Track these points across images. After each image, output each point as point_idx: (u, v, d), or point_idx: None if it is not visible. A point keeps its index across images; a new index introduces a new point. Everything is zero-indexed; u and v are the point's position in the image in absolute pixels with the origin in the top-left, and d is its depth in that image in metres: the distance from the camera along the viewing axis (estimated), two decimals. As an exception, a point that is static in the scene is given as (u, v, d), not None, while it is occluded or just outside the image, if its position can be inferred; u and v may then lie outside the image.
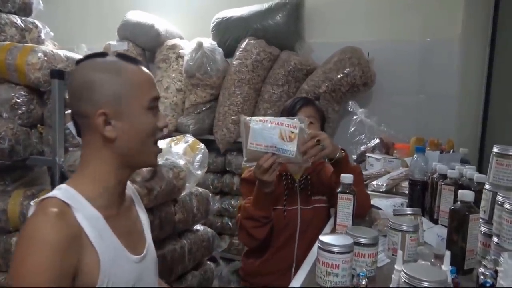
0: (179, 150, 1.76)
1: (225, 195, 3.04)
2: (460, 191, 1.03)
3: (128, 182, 1.09)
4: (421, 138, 2.07)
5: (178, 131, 3.07)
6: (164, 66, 3.16)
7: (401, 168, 2.02)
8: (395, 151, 2.17)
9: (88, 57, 0.96)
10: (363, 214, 1.41)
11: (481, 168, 2.34)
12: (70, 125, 1.62)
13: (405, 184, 1.81)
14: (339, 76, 2.71)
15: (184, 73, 3.02)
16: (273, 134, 1.25)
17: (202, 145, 1.88)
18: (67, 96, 1.62)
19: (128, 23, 3.23)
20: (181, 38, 3.30)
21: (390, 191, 1.82)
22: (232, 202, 2.96)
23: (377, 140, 2.22)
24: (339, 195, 1.16)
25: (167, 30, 3.23)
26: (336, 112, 2.80)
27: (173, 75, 3.14)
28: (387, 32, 2.85)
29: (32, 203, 0.92)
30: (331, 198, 1.58)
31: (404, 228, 1.05)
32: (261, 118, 1.29)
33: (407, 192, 1.77)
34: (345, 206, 1.15)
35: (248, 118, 1.30)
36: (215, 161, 3.02)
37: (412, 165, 1.51)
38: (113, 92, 0.90)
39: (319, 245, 0.92)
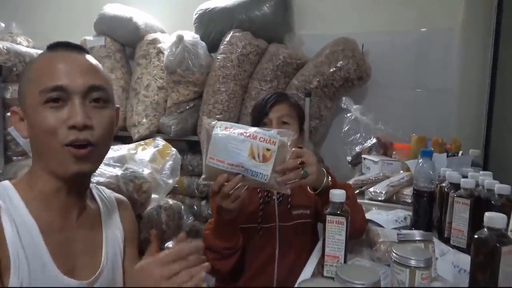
0: (145, 157, 1.48)
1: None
2: (487, 214, 0.76)
3: (107, 191, 1.02)
4: (423, 137, 1.80)
5: (160, 132, 2.80)
6: (144, 63, 2.88)
7: (401, 172, 1.75)
8: (394, 152, 1.90)
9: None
10: (359, 235, 1.15)
11: (486, 169, 2.08)
12: (12, 130, 1.34)
13: (407, 191, 1.54)
14: (331, 70, 2.44)
15: (165, 70, 2.74)
16: (241, 149, 0.96)
17: (173, 150, 1.60)
18: (8, 96, 1.33)
19: (105, 16, 2.94)
20: (162, 32, 3.01)
21: (390, 199, 1.55)
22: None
23: (373, 140, 1.95)
24: (328, 218, 0.88)
25: (146, 24, 2.94)
26: (328, 109, 2.53)
27: (154, 72, 2.85)
28: (382, 23, 2.58)
29: None
30: (318, 213, 1.31)
31: (413, 263, 0.78)
32: (230, 125, 1.00)
33: (409, 201, 1.51)
34: (335, 232, 0.88)
35: (212, 122, 1.02)
36: (200, 163, 2.74)
37: (416, 172, 1.24)
38: (21, 86, 0.84)
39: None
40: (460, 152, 1.59)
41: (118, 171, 1.30)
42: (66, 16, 3.37)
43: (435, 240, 1.03)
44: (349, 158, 2.03)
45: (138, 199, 1.31)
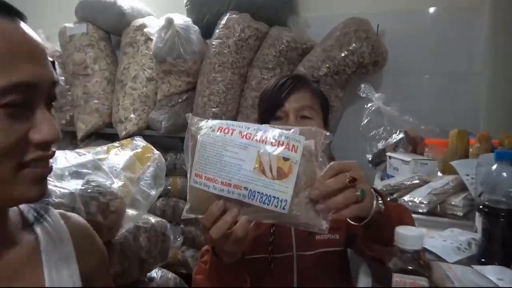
0: (117, 163, 1.10)
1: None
2: None
3: (52, 213, 0.69)
4: (464, 131, 1.41)
5: (150, 128, 2.42)
6: (131, 51, 2.48)
7: (440, 174, 1.37)
8: (426, 149, 1.52)
9: None
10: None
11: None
12: None
13: (456, 200, 1.16)
14: (343, 55, 2.05)
15: (153, 58, 2.35)
16: (242, 159, 0.60)
17: (156, 153, 1.22)
18: None
19: (86, 2, 2.54)
20: (150, 16, 2.61)
21: (434, 211, 1.17)
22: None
23: (400, 135, 1.56)
24: (396, 278, 0.50)
25: (133, 8, 2.53)
26: (339, 100, 2.13)
27: (142, 61, 2.46)
28: (399, 1, 2.19)
29: None
30: (350, 237, 0.94)
31: None
32: (226, 124, 0.64)
33: (460, 214, 1.14)
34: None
35: (199, 122, 0.66)
36: (195, 163, 2.37)
37: (488, 181, 0.86)
38: None
39: None
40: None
41: (74, 186, 0.92)
42: (45, 2, 2.96)
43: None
44: (369, 157, 1.65)
45: (103, 223, 0.93)
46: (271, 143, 0.60)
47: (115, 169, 1.07)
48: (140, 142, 1.25)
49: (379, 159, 1.58)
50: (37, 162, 0.55)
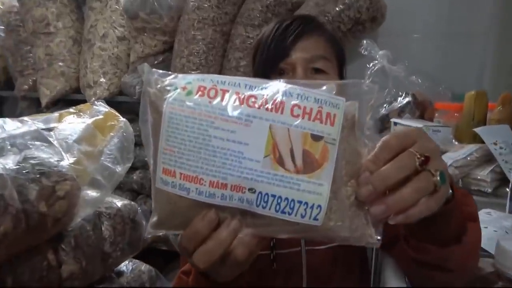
0: (70, 134, 0.85)
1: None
2: None
3: None
4: (483, 92, 1.21)
5: (122, 93, 2.15)
6: (99, 6, 2.16)
7: (455, 142, 1.17)
8: (436, 114, 1.31)
9: None
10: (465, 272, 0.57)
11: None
12: None
13: (482, 174, 0.97)
14: (338, 9, 1.80)
15: (124, 14, 2.04)
16: (245, 144, 0.36)
17: (122, 121, 0.97)
18: None
19: None
20: (119, -34, 2.27)
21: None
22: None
23: (407, 98, 1.35)
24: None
25: (99, -45, 2.18)
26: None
27: (112, 17, 2.15)
28: None
29: None
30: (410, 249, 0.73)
31: None
32: (210, 80, 0.38)
33: (489, 190, 0.95)
34: None
35: (163, 79, 0.41)
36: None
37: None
38: None
39: None
40: None
41: (7, 165, 0.67)
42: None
43: None
44: (371, 122, 1.44)
45: (48, 214, 0.69)
46: (292, 111, 0.36)
47: (67, 141, 0.83)
48: (101, 107, 0.99)
49: (383, 126, 1.37)
50: None
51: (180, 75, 0.42)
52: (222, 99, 0.37)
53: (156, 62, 2.10)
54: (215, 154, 0.37)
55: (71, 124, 0.91)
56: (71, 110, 0.99)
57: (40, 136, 0.78)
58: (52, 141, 0.80)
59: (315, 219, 0.36)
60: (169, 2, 1.95)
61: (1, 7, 2.36)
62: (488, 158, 0.99)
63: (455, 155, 1.02)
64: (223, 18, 1.97)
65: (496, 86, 1.69)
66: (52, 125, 0.89)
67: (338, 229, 0.37)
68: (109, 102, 1.13)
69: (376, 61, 1.49)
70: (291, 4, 1.94)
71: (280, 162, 0.36)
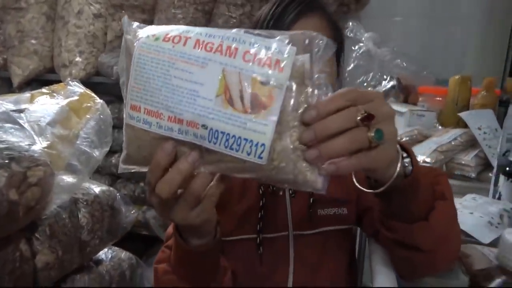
0: (43, 116, 0.80)
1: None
2: None
3: None
4: (468, 77, 1.21)
5: (99, 74, 2.06)
6: (73, -19, 2.05)
7: (439, 127, 1.17)
8: (420, 99, 1.31)
9: None
10: (449, 259, 0.57)
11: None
12: None
13: (466, 159, 0.97)
14: (323, -10, 1.76)
15: (101, -10, 1.95)
16: (198, 82, 0.40)
17: (99, 102, 0.93)
18: None
19: None
20: None
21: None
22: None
23: (392, 82, 1.34)
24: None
25: None
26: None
27: (88, -7, 2.04)
28: None
29: None
30: (362, 212, 0.72)
31: None
32: (177, 29, 0.42)
33: (472, 175, 0.96)
34: None
35: (138, 29, 0.44)
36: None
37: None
38: None
39: None
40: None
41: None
42: None
43: None
44: (355, 107, 1.43)
45: (19, 202, 0.65)
46: (244, 56, 0.38)
47: (39, 124, 0.78)
48: (77, 87, 0.95)
49: (367, 110, 1.37)
50: None
51: (153, 26, 0.44)
52: (184, 44, 0.41)
53: (135, 41, 2.02)
54: (173, 91, 0.40)
55: (44, 105, 0.87)
56: (44, 90, 0.94)
57: (9, 118, 0.73)
58: (22, 124, 0.75)
59: (259, 157, 0.38)
60: (148, -23, 1.87)
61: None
62: (472, 143, 1.00)
63: (440, 139, 1.02)
64: (205, -4, 1.90)
65: (480, 70, 1.70)
66: (23, 106, 0.85)
67: (282, 170, 0.39)
68: (85, 83, 1.07)
69: (362, 44, 1.46)
70: (275, -17, 1.88)
71: (230, 102, 0.38)
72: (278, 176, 0.39)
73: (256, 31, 0.40)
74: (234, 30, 0.41)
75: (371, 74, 1.39)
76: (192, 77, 0.40)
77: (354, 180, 0.50)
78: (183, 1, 1.88)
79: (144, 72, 0.42)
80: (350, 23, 1.52)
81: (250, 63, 0.38)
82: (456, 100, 1.20)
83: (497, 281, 0.49)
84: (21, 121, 0.74)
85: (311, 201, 0.69)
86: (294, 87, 0.38)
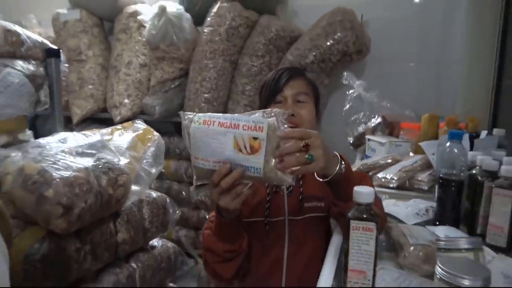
0: (122, 144, 1.25)
1: (201, 185, 2.54)
2: None
3: None
4: (435, 115, 1.59)
5: (144, 113, 2.56)
6: (125, 38, 2.60)
7: (411, 154, 1.55)
8: (401, 132, 1.69)
9: None
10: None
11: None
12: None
13: (422, 176, 1.34)
14: (328, 43, 2.20)
15: (146, 45, 2.47)
16: (223, 143, 0.78)
17: (156, 135, 1.37)
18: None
19: (80, -13, 2.63)
20: (143, 3, 2.72)
21: (403, 186, 1.34)
22: (209, 194, 2.47)
23: (378, 119, 1.73)
24: (353, 224, 0.67)
25: (126, -5, 2.64)
26: (325, 86, 2.30)
27: (136, 47, 2.58)
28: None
29: None
30: (332, 205, 1.11)
31: (468, 283, 0.58)
32: (209, 116, 0.81)
33: (425, 188, 1.32)
34: (362, 241, 0.67)
35: (189, 115, 0.83)
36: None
37: (442, 157, 1.03)
38: None
39: None
40: (485, 133, 1.39)
41: (88, 162, 1.07)
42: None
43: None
44: (350, 139, 1.82)
45: (113, 195, 1.08)
46: (242, 127, 0.77)
47: (120, 149, 1.22)
48: (140, 124, 1.40)
49: (359, 141, 1.75)
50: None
51: (196, 115, 0.83)
52: (213, 125, 0.79)
53: (173, 86, 2.51)
54: (213, 149, 0.79)
55: (121, 136, 1.31)
56: (118, 127, 1.40)
57: (104, 144, 1.18)
58: (111, 148, 1.20)
59: (259, 173, 0.78)
60: (186, 35, 2.38)
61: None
62: (428, 165, 1.36)
63: (406, 163, 1.39)
64: (232, 50, 2.38)
65: (464, 109, 2.06)
66: (106, 137, 1.29)
67: (271, 178, 0.78)
68: (131, 120, 1.53)
69: (354, 90, 1.88)
70: (289, 38, 2.35)
71: (240, 150, 0.77)
72: (269, 181, 0.79)
73: (247, 113, 0.80)
74: (236, 115, 0.79)
75: (362, 113, 1.79)
76: (220, 140, 0.78)
77: (316, 177, 0.90)
78: (214, 53, 2.36)
79: (196, 141, 0.79)
80: (345, 73, 1.94)
81: (246, 130, 0.77)
82: (427, 133, 1.57)
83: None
84: (110, 146, 1.19)
85: (300, 197, 1.09)
86: (270, 137, 0.77)
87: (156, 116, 2.43)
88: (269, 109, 0.81)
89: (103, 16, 2.72)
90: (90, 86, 2.62)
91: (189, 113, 0.84)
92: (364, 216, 0.67)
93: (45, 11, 2.79)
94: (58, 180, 0.94)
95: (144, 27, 2.50)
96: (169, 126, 2.61)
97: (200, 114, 0.82)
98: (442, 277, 0.61)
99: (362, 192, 0.67)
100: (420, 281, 0.75)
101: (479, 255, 0.70)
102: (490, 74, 2.18)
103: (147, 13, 2.46)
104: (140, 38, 2.58)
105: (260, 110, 0.80)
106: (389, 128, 1.73)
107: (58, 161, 0.99)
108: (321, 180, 0.88)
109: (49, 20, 2.76)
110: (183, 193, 2.53)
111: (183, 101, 2.50)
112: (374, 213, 0.67)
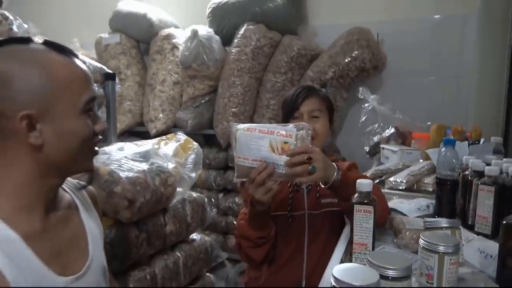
0: (168, 151, 1.52)
1: (229, 192, 2.80)
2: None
3: (74, 182, 0.94)
4: (442, 125, 1.80)
5: (176, 126, 2.85)
6: (159, 58, 2.92)
7: (421, 160, 1.75)
8: (412, 141, 1.91)
9: (5, 42, 0.74)
10: (382, 223, 1.16)
11: (507, 156, 2.07)
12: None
13: (428, 180, 1.55)
14: (346, 60, 2.44)
15: (180, 65, 2.77)
16: (261, 145, 1.02)
17: (195, 144, 1.63)
18: None
19: (120, 14, 2.97)
20: (176, 27, 3.03)
21: (411, 188, 1.56)
22: (237, 200, 2.72)
23: (392, 130, 1.95)
24: (356, 207, 0.91)
25: (160, 20, 2.96)
26: (344, 100, 2.53)
27: (169, 67, 2.89)
28: (397, 11, 2.56)
29: None
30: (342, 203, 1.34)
31: (442, 248, 0.80)
32: (250, 126, 1.06)
33: (430, 189, 1.52)
34: (363, 220, 0.91)
35: (237, 126, 1.08)
36: (217, 157, 2.78)
37: (440, 161, 1.25)
38: (38, 89, 0.73)
39: (334, 283, 0.68)
40: (482, 140, 1.59)
41: (144, 166, 1.34)
42: (77, 15, 3.42)
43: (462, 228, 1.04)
44: (366, 148, 2.04)
45: (164, 193, 1.35)
46: (277, 133, 1.02)
47: (167, 156, 1.49)
48: (181, 136, 1.66)
49: (375, 150, 1.97)
50: (96, 145, 0.84)
51: (241, 124, 1.09)
52: (254, 132, 1.05)
53: (203, 101, 2.80)
54: (252, 150, 1.04)
55: (166, 146, 1.58)
56: (164, 138, 1.66)
57: (155, 152, 1.45)
58: (160, 155, 1.47)
59: (283, 170, 1.01)
60: (215, 55, 2.66)
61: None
62: (433, 170, 1.57)
63: (414, 168, 1.60)
64: (257, 67, 2.65)
65: (478, 119, 2.25)
66: (155, 146, 1.56)
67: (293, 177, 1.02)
68: (166, 133, 1.79)
69: (368, 103, 2.11)
70: (310, 56, 2.60)
71: (273, 150, 1.02)
72: (291, 177, 1.03)
73: (283, 124, 1.06)
74: (272, 124, 1.05)
75: (376, 125, 2.01)
76: (258, 143, 1.02)
77: (321, 185, 1.13)
78: (241, 72, 2.63)
79: (240, 143, 1.04)
80: (361, 89, 2.18)
81: (280, 136, 1.02)
82: (435, 142, 1.78)
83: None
84: (160, 154, 1.46)
85: (318, 195, 1.32)
86: (299, 143, 1.01)
87: (188, 129, 2.71)
88: (299, 123, 1.06)
89: (140, 39, 3.05)
90: (128, 102, 2.94)
91: (236, 123, 1.10)
92: (365, 201, 0.91)
93: (88, 36, 3.15)
94: (124, 179, 1.21)
95: (177, 48, 2.81)
96: (199, 138, 2.88)
97: (245, 124, 1.08)
98: (424, 246, 0.83)
99: (363, 183, 0.91)
100: (411, 256, 0.97)
101: (456, 232, 0.91)
102: (502, 86, 2.37)
103: (180, 36, 2.76)
104: (173, 58, 2.88)
105: (293, 124, 1.06)
106: (402, 137, 1.94)
107: (123, 164, 1.27)
108: (323, 186, 1.11)
109: (91, 43, 3.12)
110: (212, 200, 2.78)
111: (212, 115, 2.77)
112: (372, 199, 0.91)
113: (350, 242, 0.93)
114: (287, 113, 1.37)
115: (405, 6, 2.53)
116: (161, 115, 2.84)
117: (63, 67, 0.77)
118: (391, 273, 0.71)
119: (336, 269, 0.69)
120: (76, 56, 0.81)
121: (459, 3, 2.43)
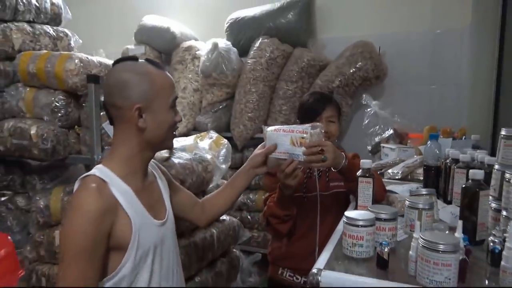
0: (204, 146, 1.90)
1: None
2: (471, 170, 1.15)
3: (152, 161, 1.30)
4: (434, 127, 2.18)
5: (196, 129, 3.22)
6: (181, 68, 3.31)
7: (415, 156, 2.13)
8: (409, 141, 2.29)
9: (122, 59, 1.15)
10: (381, 199, 1.54)
11: (494, 153, 2.42)
12: (106, 125, 1.77)
13: (420, 171, 1.92)
14: (351, 71, 2.82)
15: (200, 74, 3.16)
16: (284, 141, 1.37)
17: (225, 141, 2.01)
18: (102, 99, 1.76)
19: (144, 27, 3.38)
20: (196, 39, 3.44)
21: (405, 178, 1.93)
22: (251, 197, 3.09)
23: (391, 131, 2.34)
24: (360, 179, 1.29)
25: (182, 33, 3.37)
26: (349, 106, 2.92)
27: (190, 75, 3.27)
28: (397, 25, 2.96)
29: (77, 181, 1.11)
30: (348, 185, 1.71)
31: (421, 205, 1.17)
32: (278, 127, 1.41)
33: (421, 178, 1.90)
34: (365, 188, 1.28)
35: (267, 128, 1.44)
36: (233, 157, 3.13)
37: (426, 151, 1.63)
38: (144, 90, 1.09)
39: (345, 220, 1.06)
40: (463, 137, 1.97)
41: (189, 155, 1.72)
42: (103, 28, 3.83)
43: (439, 201, 1.41)
44: (369, 148, 2.42)
45: (205, 177, 1.73)
46: (296, 131, 1.38)
47: (205, 149, 1.88)
48: (213, 134, 2.05)
49: (376, 149, 2.35)
50: (175, 130, 1.22)
51: (270, 126, 1.47)
52: (279, 131, 1.43)
53: (221, 107, 3.18)
54: (278, 144, 1.40)
55: (201, 141, 1.96)
56: (198, 135, 2.04)
57: (196, 145, 1.83)
58: (201, 148, 1.85)
59: (301, 159, 1.37)
60: (233, 66, 3.06)
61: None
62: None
63: (408, 161, 1.98)
64: (271, 76, 3.04)
65: (470, 123, 2.63)
66: (193, 142, 1.94)
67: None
68: (186, 135, 2.17)
69: (371, 108, 2.50)
70: (319, 66, 3.00)
71: (293, 144, 1.37)
72: (306, 163, 1.40)
73: (300, 125, 1.43)
74: (293, 125, 1.40)
75: (377, 127, 2.40)
76: (282, 139, 1.35)
77: (332, 169, 1.50)
78: (256, 80, 3.02)
79: (269, 140, 1.39)
80: (364, 95, 2.57)
81: (298, 133, 1.37)
82: (427, 140, 2.16)
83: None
84: (199, 147, 1.85)
85: (327, 179, 1.70)
86: (314, 138, 1.37)
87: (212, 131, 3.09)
88: (313, 123, 1.42)
89: (163, 50, 3.45)
90: (152, 108, 3.32)
91: (266, 126, 1.47)
92: (366, 175, 1.29)
93: (113, 47, 3.55)
94: (177, 164, 1.59)
95: (197, 59, 3.21)
96: (217, 140, 3.26)
97: (273, 126, 1.44)
98: (408, 205, 1.21)
99: (365, 162, 1.29)
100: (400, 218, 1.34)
101: (432, 197, 1.29)
102: (491, 93, 2.76)
103: (201, 48, 3.17)
104: (193, 67, 3.27)
105: (310, 124, 1.41)
106: (399, 138, 2.32)
107: (174, 154, 1.65)
108: (334, 170, 1.47)
109: (116, 54, 3.51)
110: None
111: (229, 119, 3.16)
112: (372, 174, 1.29)
113: (356, 205, 1.31)
114: (307, 117, 1.73)
115: (405, 21, 2.93)
116: (182, 119, 3.21)
117: (159, 76, 1.14)
118: (383, 216, 1.09)
119: (347, 212, 1.07)
120: (164, 69, 1.19)
121: (455, 18, 2.80)
